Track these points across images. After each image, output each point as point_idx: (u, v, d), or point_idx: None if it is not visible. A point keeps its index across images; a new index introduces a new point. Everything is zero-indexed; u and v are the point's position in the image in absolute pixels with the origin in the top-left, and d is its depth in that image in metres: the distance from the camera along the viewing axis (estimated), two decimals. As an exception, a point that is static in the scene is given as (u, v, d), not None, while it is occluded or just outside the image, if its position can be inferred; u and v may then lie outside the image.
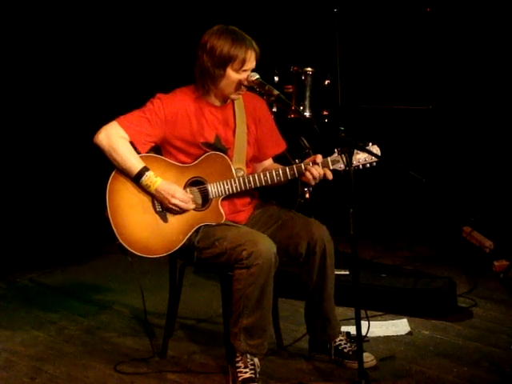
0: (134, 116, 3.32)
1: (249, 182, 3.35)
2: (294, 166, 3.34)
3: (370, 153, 3.24)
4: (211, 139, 3.38)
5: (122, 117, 3.32)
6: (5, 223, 5.29)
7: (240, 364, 3.25)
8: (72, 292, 4.54)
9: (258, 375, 3.25)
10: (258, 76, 3.32)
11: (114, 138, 3.27)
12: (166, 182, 3.29)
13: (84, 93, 5.71)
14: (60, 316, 4.13)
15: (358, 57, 5.34)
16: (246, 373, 3.23)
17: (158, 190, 3.27)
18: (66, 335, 3.87)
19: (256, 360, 3.27)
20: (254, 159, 3.53)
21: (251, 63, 3.30)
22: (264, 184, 3.35)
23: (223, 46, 3.25)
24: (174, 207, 3.29)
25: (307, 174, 3.31)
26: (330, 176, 3.32)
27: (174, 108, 3.34)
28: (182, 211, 3.31)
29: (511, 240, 4.98)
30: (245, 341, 3.24)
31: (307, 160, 3.35)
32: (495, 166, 5.61)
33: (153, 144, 3.36)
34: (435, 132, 5.82)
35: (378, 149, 3.35)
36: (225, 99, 3.41)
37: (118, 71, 5.79)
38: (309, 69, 4.91)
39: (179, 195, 3.29)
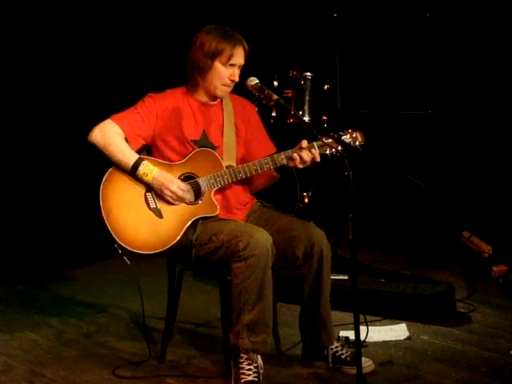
0: (127, 112, 3.42)
1: (239, 172, 3.37)
2: (282, 153, 3.36)
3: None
4: (198, 136, 3.43)
5: (115, 114, 3.41)
6: (3, 227, 5.28)
7: (243, 365, 3.24)
8: (70, 296, 4.54)
9: (261, 377, 3.23)
10: (257, 81, 3.33)
11: (109, 133, 3.35)
12: (162, 171, 3.33)
13: (76, 96, 5.72)
14: (58, 320, 4.13)
15: (357, 62, 5.34)
16: (249, 375, 3.21)
17: (155, 178, 3.31)
18: (64, 339, 3.87)
19: (260, 361, 3.25)
20: (242, 161, 3.53)
21: (238, 58, 3.37)
22: (254, 173, 3.37)
23: (212, 40, 3.36)
24: (170, 194, 3.31)
25: (295, 156, 3.31)
26: (317, 157, 3.34)
27: (164, 105, 3.43)
28: (177, 201, 3.32)
29: (510, 245, 4.98)
30: (248, 338, 3.23)
31: (294, 148, 3.37)
32: (494, 171, 5.61)
33: (144, 142, 3.42)
34: (434, 137, 5.83)
35: (361, 135, 3.37)
36: (212, 96, 3.46)
37: (111, 73, 5.80)
38: (308, 73, 4.91)
39: (177, 182, 3.33)
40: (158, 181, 3.31)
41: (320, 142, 3.33)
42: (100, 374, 3.44)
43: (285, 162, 3.36)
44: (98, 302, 4.43)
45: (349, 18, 5.40)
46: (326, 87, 5.05)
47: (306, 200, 4.82)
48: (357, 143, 3.37)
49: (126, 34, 5.82)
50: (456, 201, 5.73)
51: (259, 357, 3.26)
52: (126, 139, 3.36)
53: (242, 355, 3.25)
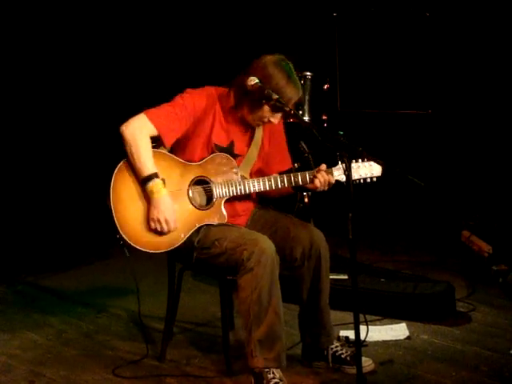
0: (163, 110, 3.29)
1: (253, 185, 3.36)
2: (299, 174, 3.37)
3: (374, 160, 3.25)
4: (225, 144, 3.39)
5: (150, 110, 3.29)
6: (4, 227, 5.29)
7: None
8: (70, 296, 4.54)
9: None
10: (257, 80, 3.31)
11: (140, 134, 3.22)
12: (169, 198, 3.23)
13: (76, 95, 5.73)
14: (58, 320, 4.13)
15: (357, 61, 5.34)
16: None
17: (157, 200, 3.20)
18: (64, 339, 3.87)
19: (280, 373, 3.20)
20: (258, 172, 3.52)
21: (290, 106, 3.31)
22: (268, 188, 3.36)
23: (280, 79, 3.26)
24: (157, 222, 3.21)
25: (315, 180, 3.34)
26: (332, 180, 3.37)
27: (202, 102, 3.34)
28: (161, 228, 3.23)
29: (510, 245, 4.98)
30: (261, 355, 3.18)
31: (311, 171, 3.39)
32: (495, 171, 5.61)
33: (177, 137, 3.33)
34: (435, 136, 5.83)
35: (380, 167, 3.39)
36: (247, 123, 3.41)
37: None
38: (308, 73, 4.91)
39: (170, 217, 3.22)
40: (158, 205, 3.20)
41: (339, 168, 3.36)
42: (100, 374, 3.44)
43: (300, 182, 3.36)
44: (98, 301, 4.43)
45: (349, 18, 5.40)
46: (325, 87, 5.05)
47: (306, 200, 4.82)
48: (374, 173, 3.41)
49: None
50: (456, 200, 5.72)
51: (277, 371, 3.21)
52: (160, 136, 3.27)
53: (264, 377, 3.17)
